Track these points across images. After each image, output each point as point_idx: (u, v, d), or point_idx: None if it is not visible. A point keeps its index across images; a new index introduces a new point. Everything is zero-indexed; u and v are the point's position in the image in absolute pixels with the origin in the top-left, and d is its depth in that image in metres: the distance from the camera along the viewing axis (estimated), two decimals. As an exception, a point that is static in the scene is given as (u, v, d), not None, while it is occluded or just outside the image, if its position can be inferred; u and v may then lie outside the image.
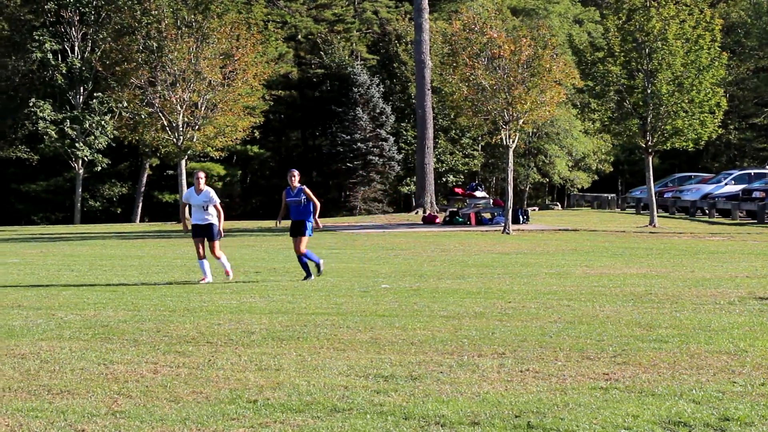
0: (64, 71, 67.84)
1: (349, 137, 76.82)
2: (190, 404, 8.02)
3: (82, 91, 69.10)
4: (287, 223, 19.97)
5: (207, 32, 59.77)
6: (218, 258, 19.41)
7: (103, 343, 11.20)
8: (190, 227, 19.87)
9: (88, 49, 69.24)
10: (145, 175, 73.06)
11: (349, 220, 62.19)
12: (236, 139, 63.03)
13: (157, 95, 60.61)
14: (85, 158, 67.67)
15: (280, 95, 76.70)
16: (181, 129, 60.58)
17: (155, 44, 60.37)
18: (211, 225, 19.13)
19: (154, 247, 33.20)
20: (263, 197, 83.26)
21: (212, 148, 61.97)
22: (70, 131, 66.60)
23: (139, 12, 60.86)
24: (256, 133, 65.62)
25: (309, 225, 19.11)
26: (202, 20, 59.93)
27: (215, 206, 19.39)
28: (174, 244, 35.70)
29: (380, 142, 77.17)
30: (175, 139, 60.65)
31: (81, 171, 68.83)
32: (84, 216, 70.46)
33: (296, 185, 19.34)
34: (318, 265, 19.35)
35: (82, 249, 32.01)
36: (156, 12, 60.12)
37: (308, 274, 19.17)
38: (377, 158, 76.86)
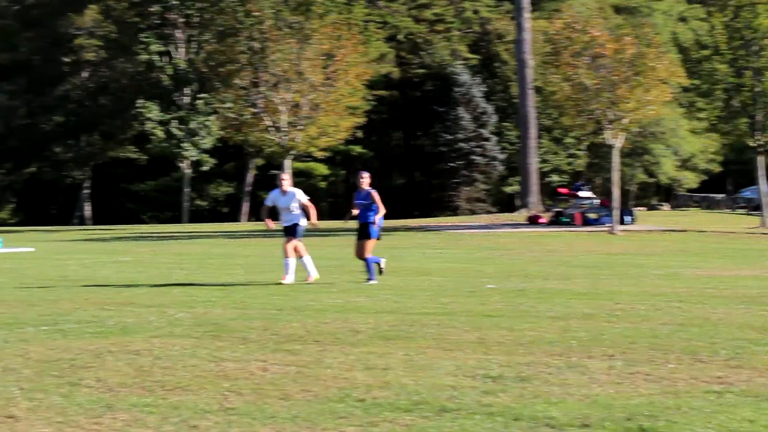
0: (169, 72, 68.93)
1: (451, 137, 76.67)
2: (299, 402, 8.06)
3: (187, 91, 70.13)
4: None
5: (308, 33, 60.17)
6: (300, 257, 19.23)
7: (214, 341, 11.33)
8: (272, 227, 19.78)
9: (193, 50, 70.24)
10: (251, 175, 73.88)
11: (453, 220, 62.08)
12: (339, 139, 63.34)
13: (261, 96, 61.24)
14: (192, 158, 68.66)
15: (381, 95, 76.90)
16: (284, 129, 61.11)
17: (258, 45, 61.02)
18: (296, 226, 19.05)
19: (260, 246, 33.55)
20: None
21: (316, 148, 62.38)
22: (176, 131, 67.66)
23: (241, 13, 61.54)
24: (359, 133, 65.91)
25: (374, 228, 18.81)
26: (303, 21, 60.34)
27: (304, 204, 19.16)
28: (279, 243, 35.96)
29: (483, 142, 76.87)
30: (279, 139, 61.21)
31: (188, 171, 69.86)
32: (191, 215, 71.54)
33: (365, 188, 19.04)
34: (378, 264, 19.10)
35: (191, 248, 32.50)
36: (258, 13, 60.71)
37: (371, 277, 18.83)
38: (480, 158, 76.57)
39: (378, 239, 18.97)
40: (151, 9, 69.73)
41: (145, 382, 8.87)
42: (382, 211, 18.91)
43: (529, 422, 7.37)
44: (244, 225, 62.00)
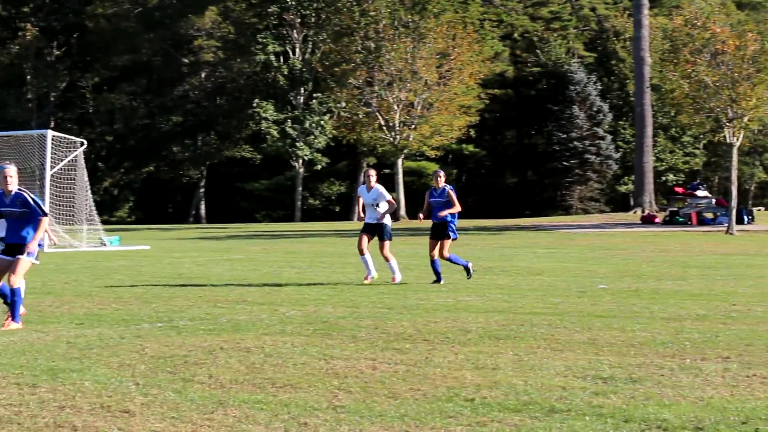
0: (285, 72, 69.65)
1: (565, 136, 76.01)
2: (408, 401, 8.07)
3: (302, 91, 70.76)
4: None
5: (424, 32, 60.26)
6: (387, 260, 18.78)
7: (324, 339, 11.41)
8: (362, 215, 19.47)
9: (309, 50, 70.84)
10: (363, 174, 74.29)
11: (566, 219, 61.53)
12: (452, 138, 63.36)
13: (375, 95, 61.56)
14: (305, 157, 69.28)
15: (495, 94, 76.61)
16: (397, 128, 61.31)
17: (373, 45, 61.33)
18: (383, 225, 18.62)
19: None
20: (479, 196, 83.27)
21: (428, 147, 62.47)
22: (291, 131, 68.32)
23: (357, 13, 61.91)
24: (472, 132, 65.75)
25: (453, 227, 18.44)
26: (419, 20, 60.45)
27: (387, 201, 18.87)
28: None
29: (597, 141, 76.04)
30: (391, 138, 61.44)
31: (301, 170, 70.52)
32: (304, 214, 72.19)
33: (441, 185, 18.57)
34: (467, 269, 18.69)
35: (302, 246, 32.78)
36: (374, 13, 61.02)
37: (438, 279, 18.48)
38: (594, 157, 75.75)
39: (455, 239, 18.58)
40: (269, 10, 70.52)
41: (256, 379, 8.98)
42: (457, 208, 18.46)
43: (641, 424, 7.25)
44: (356, 224, 62.34)
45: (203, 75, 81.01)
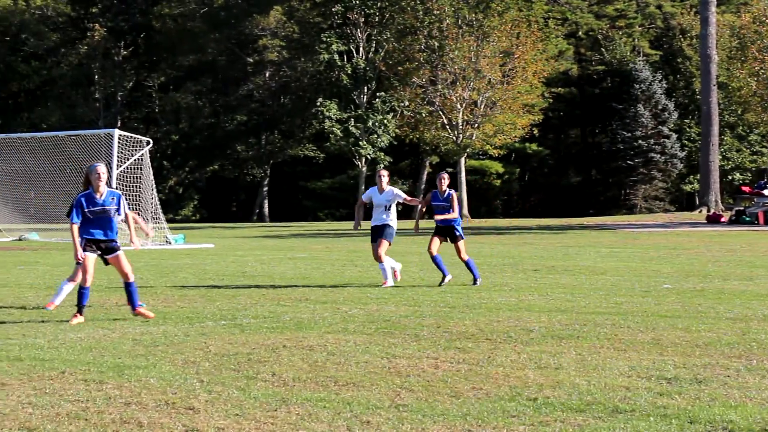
0: (349, 71, 69.81)
1: (629, 134, 75.39)
2: (470, 400, 8.06)
3: (365, 90, 70.89)
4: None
5: (487, 30, 60.13)
6: (380, 261, 17.93)
7: (386, 338, 11.43)
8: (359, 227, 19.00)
9: (372, 49, 70.96)
10: (426, 173, 74.23)
11: (630, 218, 61.01)
12: (515, 136, 63.14)
13: (438, 94, 61.55)
14: (368, 156, 69.40)
15: (559, 92, 76.17)
16: (460, 127, 61.25)
17: (436, 43, 61.31)
18: (387, 226, 18.01)
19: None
20: (542, 195, 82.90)
21: (491, 146, 62.33)
22: (354, 130, 68.47)
23: (421, 12, 61.91)
24: (535, 131, 65.45)
25: (460, 229, 18.00)
26: (482, 19, 60.30)
27: (407, 199, 18.40)
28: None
29: (662, 140, 75.33)
30: (454, 137, 61.40)
31: (364, 168, 70.65)
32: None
33: (445, 189, 18.07)
34: (476, 279, 17.97)
35: (365, 245, 32.82)
36: (438, 12, 61.00)
37: (444, 275, 17.99)
38: (659, 156, 75.05)
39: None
40: (333, 9, 70.76)
41: (319, 377, 9.02)
42: (455, 214, 17.94)
43: (706, 426, 7.19)
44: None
45: (267, 74, 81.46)
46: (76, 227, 13.44)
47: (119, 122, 77.17)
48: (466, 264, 18.02)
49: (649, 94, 75.86)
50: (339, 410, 7.72)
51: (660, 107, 75.97)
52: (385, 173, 18.49)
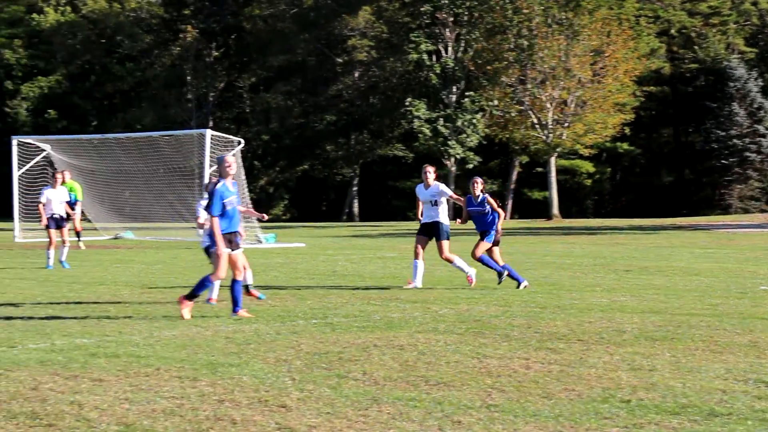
0: (438, 71, 69.78)
1: (724, 133, 74.15)
2: (562, 401, 8.01)
3: (454, 90, 70.80)
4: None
5: (578, 29, 59.68)
6: (451, 262, 17.55)
7: (476, 337, 11.41)
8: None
9: (461, 49, 70.84)
10: (515, 173, 73.89)
11: (724, 218, 60.02)
12: (606, 136, 62.57)
13: (527, 93, 61.24)
14: (457, 156, 69.30)
15: (651, 91, 75.20)
16: (550, 126, 60.87)
17: (526, 42, 61.02)
18: (438, 224, 17.62)
19: (524, 244, 33.48)
20: (633, 195, 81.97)
21: (581, 145, 61.85)
22: (443, 129, 68.42)
23: (510, 11, 61.65)
24: (627, 130, 64.76)
25: (492, 232, 17.57)
26: (572, 17, 59.85)
27: (448, 198, 18.03)
28: (543, 241, 35.86)
29: (758, 138, 73.96)
30: (544, 137, 61.04)
31: (453, 168, 70.56)
32: (456, 212, 72.13)
33: (478, 194, 17.70)
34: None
35: (455, 245, 32.74)
36: (527, 10, 60.68)
37: (500, 273, 17.43)
38: (754, 155, 73.70)
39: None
40: (422, 9, 70.77)
41: (410, 376, 9.03)
42: (502, 213, 17.72)
43: (805, 431, 7.05)
44: (508, 222, 62.04)
45: (356, 74, 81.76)
46: (217, 220, 13.41)
47: (211, 122, 78.10)
48: (480, 260, 17.55)
49: (744, 93, 74.53)
50: (430, 410, 7.72)
51: (756, 105, 74.60)
52: (431, 169, 18.19)
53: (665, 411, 7.64)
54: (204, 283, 13.44)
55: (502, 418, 7.48)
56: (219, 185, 13.42)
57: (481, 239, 17.65)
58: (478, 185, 17.84)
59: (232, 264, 13.64)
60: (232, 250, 13.59)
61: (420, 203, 18.06)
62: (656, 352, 10.26)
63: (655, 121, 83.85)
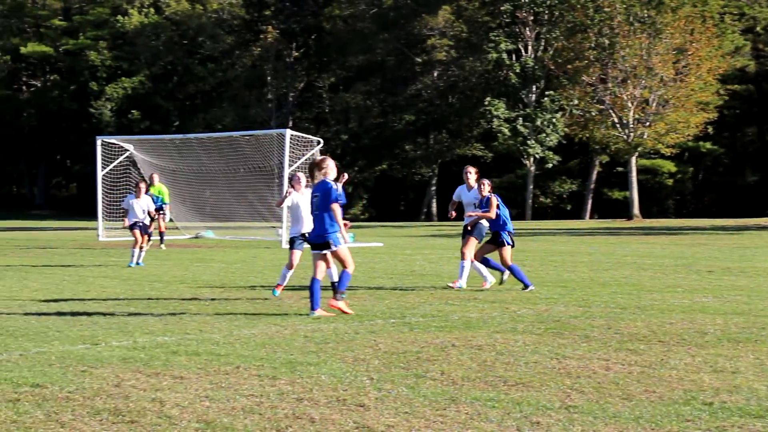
0: (517, 70, 69.48)
1: (810, 132, 72.73)
2: (643, 403, 7.93)
3: (534, 89, 70.43)
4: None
5: (660, 27, 59.01)
6: (463, 259, 17.26)
7: (555, 338, 11.34)
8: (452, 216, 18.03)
9: (541, 47, 70.44)
10: (595, 172, 73.27)
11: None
12: (688, 135, 61.79)
13: (608, 92, 60.70)
14: (536, 155, 68.93)
15: (735, 89, 74.02)
16: (631, 126, 60.28)
17: (607, 41, 60.50)
18: (477, 223, 17.35)
19: (604, 244, 33.19)
20: (716, 194, 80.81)
21: (663, 144, 61.12)
22: (522, 129, 68.11)
23: (592, 9, 61.18)
24: (710, 129, 63.86)
25: (506, 235, 17.13)
26: (655, 15, 59.21)
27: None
28: (624, 241, 35.52)
29: None
30: (625, 136, 60.46)
31: (532, 168, 70.21)
32: (534, 212, 71.84)
33: (485, 194, 17.26)
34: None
35: (533, 245, 32.64)
36: (609, 9, 60.16)
37: (525, 283, 16.91)
38: (842, 154, 72.15)
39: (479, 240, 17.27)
40: (502, 8, 70.51)
41: (488, 376, 9.00)
42: (490, 215, 17.13)
43: None
44: (587, 222, 61.58)
45: (436, 74, 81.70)
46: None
47: (290, 122, 78.60)
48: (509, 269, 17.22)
49: (830, 90, 73.10)
50: (508, 410, 7.69)
51: (842, 104, 73.12)
52: (472, 170, 17.95)
53: (748, 414, 7.52)
54: (346, 278, 13.76)
55: (581, 420, 7.42)
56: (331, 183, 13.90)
57: (499, 246, 17.24)
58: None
59: (325, 263, 13.91)
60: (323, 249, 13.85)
61: (454, 204, 17.99)
62: (739, 354, 10.11)
63: (739, 120, 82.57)
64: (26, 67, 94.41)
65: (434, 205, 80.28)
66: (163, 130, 75.35)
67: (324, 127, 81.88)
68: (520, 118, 68.56)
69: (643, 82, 59.49)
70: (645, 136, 59.98)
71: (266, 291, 16.98)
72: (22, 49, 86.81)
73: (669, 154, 64.70)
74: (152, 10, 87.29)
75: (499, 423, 7.34)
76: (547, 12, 69.76)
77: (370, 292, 16.89)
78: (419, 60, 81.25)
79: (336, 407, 7.87)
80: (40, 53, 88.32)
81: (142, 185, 25.34)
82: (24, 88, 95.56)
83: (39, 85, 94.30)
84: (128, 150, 41.05)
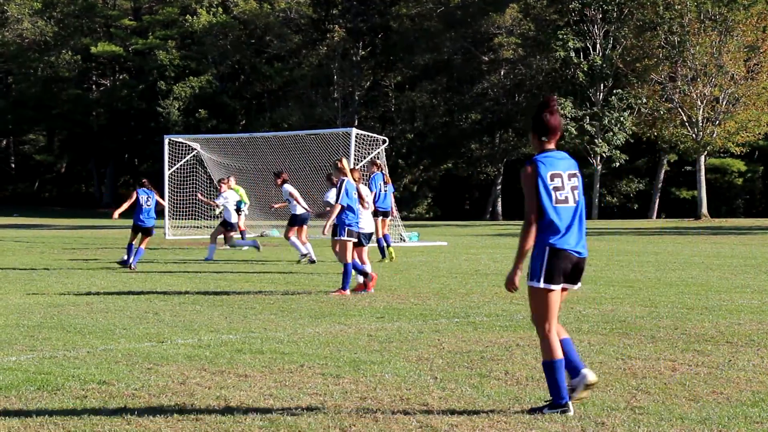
0: (585, 69, 69.00)
1: None
2: (709, 404, 7.84)
3: (602, 87, 69.90)
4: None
5: (732, 25, 58.32)
6: None
7: (621, 338, 11.25)
8: None
9: (609, 46, 69.89)
10: (663, 171, 72.53)
11: None
12: (759, 134, 60.96)
13: (677, 90, 60.08)
14: (604, 154, 68.41)
15: (808, 88, 72.75)
16: (700, 124, 59.61)
17: (677, 39, 59.88)
18: None
19: (671, 244, 32.84)
20: (787, 194, 79.57)
21: (733, 143, 60.35)
22: (589, 128, 67.63)
23: (661, 7, 60.60)
24: (780, 128, 62.83)
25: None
26: (726, 13, 58.53)
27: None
28: (691, 241, 35.13)
29: None
30: (694, 135, 59.79)
31: (599, 167, 69.67)
32: (601, 211, 71.30)
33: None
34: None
35: (599, 244, 32.38)
36: (679, 6, 59.56)
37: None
38: None
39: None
40: (570, 6, 70.06)
41: (552, 376, 8.94)
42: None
43: None
44: (654, 222, 60.97)
45: (502, 72, 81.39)
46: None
47: (356, 121, 78.76)
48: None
49: None
50: (574, 412, 7.64)
51: None
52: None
53: (818, 418, 7.40)
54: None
55: (646, 421, 7.36)
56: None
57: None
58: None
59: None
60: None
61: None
62: (809, 357, 9.96)
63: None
64: (96, 67, 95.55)
65: (499, 204, 79.98)
66: (230, 129, 75.85)
67: (389, 125, 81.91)
68: (587, 117, 68.06)
69: (714, 80, 58.78)
70: (714, 135, 59.27)
71: (329, 289, 17.02)
72: (93, 49, 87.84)
73: (739, 152, 63.86)
74: (220, 9, 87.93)
75: (564, 423, 7.30)
76: (615, 10, 69.17)
77: (434, 291, 16.87)
78: (486, 59, 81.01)
79: (399, 406, 7.88)
80: (110, 53, 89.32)
81: (224, 184, 27.06)
82: (94, 87, 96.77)
83: (108, 84, 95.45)
84: (195, 149, 41.41)
